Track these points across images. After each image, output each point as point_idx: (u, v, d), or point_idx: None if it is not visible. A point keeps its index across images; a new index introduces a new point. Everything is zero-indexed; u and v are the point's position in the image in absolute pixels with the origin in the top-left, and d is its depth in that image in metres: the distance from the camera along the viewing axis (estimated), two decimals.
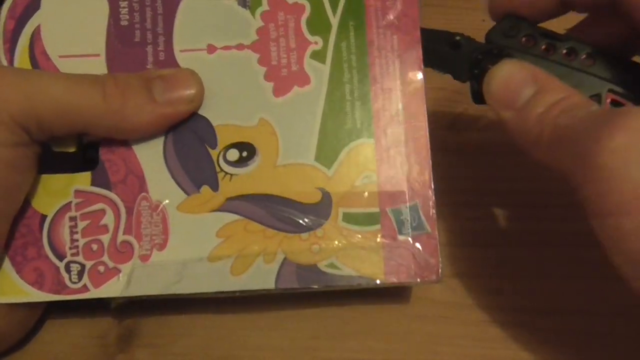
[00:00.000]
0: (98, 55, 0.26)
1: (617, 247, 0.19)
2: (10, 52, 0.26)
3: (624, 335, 0.26)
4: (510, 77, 0.23)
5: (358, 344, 0.27)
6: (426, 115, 0.25)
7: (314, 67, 0.26)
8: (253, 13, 0.26)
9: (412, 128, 0.25)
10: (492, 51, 0.25)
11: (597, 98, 0.23)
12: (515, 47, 0.25)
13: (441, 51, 0.26)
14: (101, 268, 0.25)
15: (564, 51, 0.24)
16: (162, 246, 0.25)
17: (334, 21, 0.26)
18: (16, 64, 0.26)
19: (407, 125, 0.25)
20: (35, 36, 0.26)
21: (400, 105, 0.25)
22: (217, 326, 0.27)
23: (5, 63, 0.26)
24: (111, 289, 0.25)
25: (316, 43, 0.26)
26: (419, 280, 0.24)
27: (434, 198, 0.25)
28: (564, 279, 0.28)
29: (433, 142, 0.25)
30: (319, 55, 0.26)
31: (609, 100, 0.23)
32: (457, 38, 0.26)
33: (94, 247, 0.25)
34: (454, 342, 0.27)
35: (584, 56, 0.24)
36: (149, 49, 0.26)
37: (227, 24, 0.26)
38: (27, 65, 0.26)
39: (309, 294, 0.26)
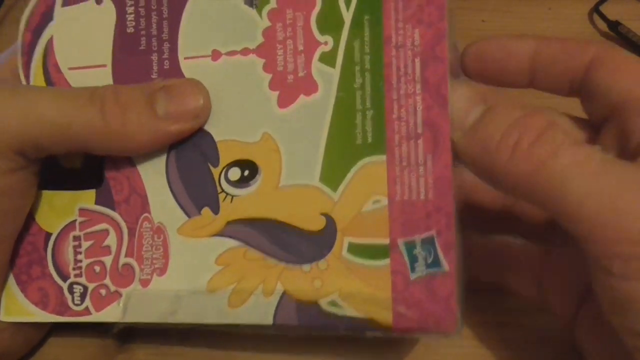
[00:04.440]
0: (105, 65, 0.25)
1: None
2: (27, 66, 0.26)
3: None
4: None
5: (358, 345, 0.25)
6: (450, 128, 0.21)
7: (322, 71, 0.22)
8: (260, 12, 0.23)
9: (433, 143, 0.21)
10: None
11: None
12: None
13: None
14: (103, 291, 0.24)
15: None
16: (162, 271, 0.24)
17: (347, 16, 0.22)
18: (31, 78, 0.26)
19: (426, 139, 0.21)
20: (49, 48, 0.25)
21: (419, 115, 0.21)
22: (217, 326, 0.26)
23: (22, 78, 0.26)
24: (111, 313, 0.24)
25: (326, 43, 0.23)
26: (431, 330, 0.20)
27: (454, 229, 0.20)
28: None
29: None
30: (328, 58, 0.22)
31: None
32: None
33: (97, 268, 0.24)
34: (454, 342, 0.25)
35: None
36: (154, 57, 0.24)
37: (233, 25, 0.24)
38: (40, 79, 0.25)
39: None
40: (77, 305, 0.24)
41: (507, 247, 0.25)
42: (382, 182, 0.21)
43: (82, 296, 0.24)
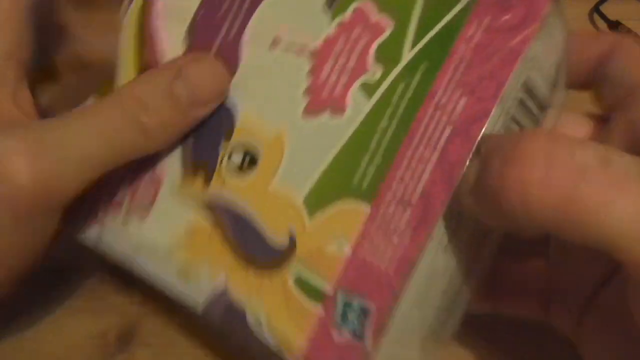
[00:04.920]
0: (186, 19, 0.25)
1: None
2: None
3: None
4: None
5: None
6: (440, 215, 0.19)
7: (357, 98, 0.21)
8: (332, 18, 0.23)
9: (419, 219, 0.19)
10: None
11: None
12: None
13: None
14: (95, 213, 0.25)
15: None
16: (143, 219, 0.24)
17: (407, 55, 0.21)
18: (129, 11, 0.26)
19: (415, 212, 0.19)
20: None
21: (420, 185, 0.19)
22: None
23: (124, 8, 0.27)
24: (90, 235, 0.25)
25: (374, 73, 0.21)
26: None
27: (393, 314, 0.19)
28: None
29: None
30: (369, 88, 0.21)
31: None
32: None
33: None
34: (454, 343, 0.25)
35: None
36: (225, 25, 0.24)
37: (304, 20, 0.23)
38: (134, 16, 0.26)
39: None
40: (82, 219, 0.25)
41: (508, 272, 0.23)
42: (355, 232, 0.20)
43: (88, 212, 0.25)
